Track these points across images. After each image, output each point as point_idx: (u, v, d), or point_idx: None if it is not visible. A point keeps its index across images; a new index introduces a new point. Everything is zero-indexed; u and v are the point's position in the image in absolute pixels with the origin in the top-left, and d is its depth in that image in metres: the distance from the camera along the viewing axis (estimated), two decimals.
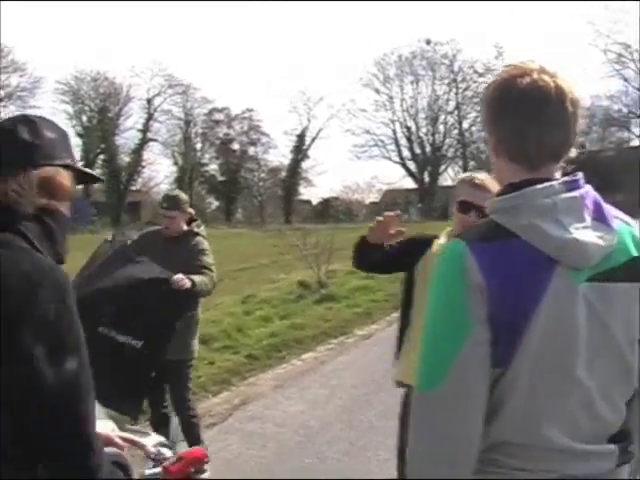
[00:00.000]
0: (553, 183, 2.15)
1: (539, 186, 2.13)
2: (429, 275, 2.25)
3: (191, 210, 6.71)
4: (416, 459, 2.16)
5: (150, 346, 5.96)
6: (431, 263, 2.37)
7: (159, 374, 6.43)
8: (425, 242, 4.39)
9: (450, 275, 2.12)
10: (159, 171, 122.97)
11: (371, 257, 4.30)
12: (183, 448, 6.70)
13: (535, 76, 2.17)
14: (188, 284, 5.99)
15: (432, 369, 2.11)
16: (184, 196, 6.77)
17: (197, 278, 6.19)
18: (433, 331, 2.14)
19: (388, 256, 4.33)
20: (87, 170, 2.73)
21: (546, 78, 2.16)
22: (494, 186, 4.16)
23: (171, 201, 6.57)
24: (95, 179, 2.91)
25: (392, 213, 4.15)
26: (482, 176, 4.27)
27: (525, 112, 2.16)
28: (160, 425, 6.57)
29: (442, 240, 4.32)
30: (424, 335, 2.15)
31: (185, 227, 6.60)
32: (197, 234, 6.63)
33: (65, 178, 2.52)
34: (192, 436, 6.56)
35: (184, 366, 6.58)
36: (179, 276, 5.99)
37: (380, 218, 4.15)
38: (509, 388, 2.11)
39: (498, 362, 2.08)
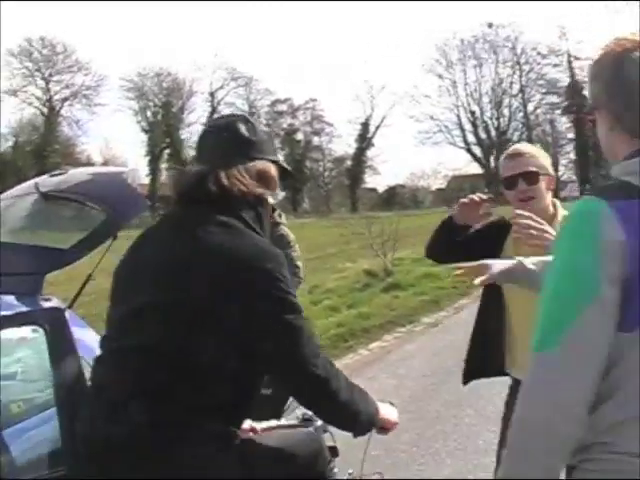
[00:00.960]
0: None
1: None
2: (559, 232, 2.15)
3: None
4: (523, 424, 2.03)
5: None
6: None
7: None
8: (504, 226, 4.20)
9: (585, 231, 2.02)
10: None
11: (453, 238, 4.03)
12: None
13: None
14: None
15: (550, 329, 2.01)
16: None
17: None
18: (557, 289, 2.04)
19: (469, 240, 4.07)
20: (287, 167, 3.07)
21: None
22: (533, 150, 4.07)
23: None
24: (292, 175, 3.25)
25: (483, 195, 3.99)
26: (516, 145, 4.14)
27: None
28: None
29: None
30: (546, 293, 2.05)
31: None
32: (279, 224, 6.59)
33: (275, 171, 2.95)
34: None
35: None
36: None
37: (472, 197, 3.96)
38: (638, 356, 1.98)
39: (627, 326, 1.97)
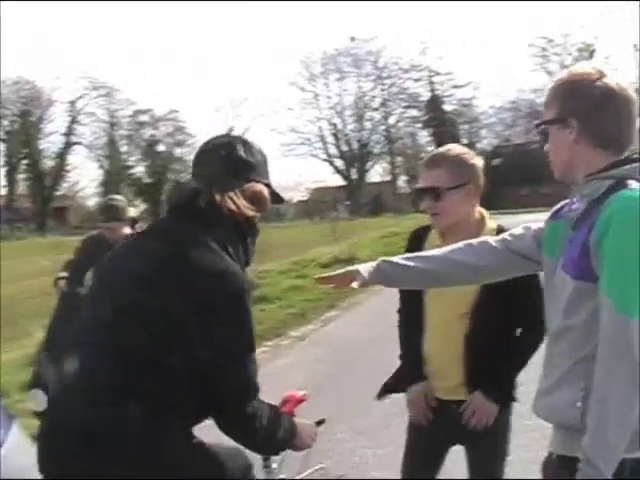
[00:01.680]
0: None
1: None
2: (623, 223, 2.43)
3: (132, 212, 6.30)
4: (611, 380, 2.37)
5: None
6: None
7: None
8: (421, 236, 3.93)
9: None
10: (84, 175, 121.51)
11: None
12: None
13: (610, 80, 2.67)
14: None
15: (636, 298, 2.35)
16: (121, 202, 6.29)
17: None
18: (638, 264, 2.36)
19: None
20: (277, 192, 3.20)
21: (617, 82, 2.68)
22: (455, 158, 3.74)
23: (108, 212, 6.12)
24: (281, 200, 3.35)
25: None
26: (439, 151, 3.86)
27: (624, 109, 2.66)
28: None
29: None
30: (626, 267, 2.39)
31: (128, 231, 6.21)
32: None
33: (267, 194, 3.09)
34: None
35: None
36: None
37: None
38: None
39: None
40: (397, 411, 3.96)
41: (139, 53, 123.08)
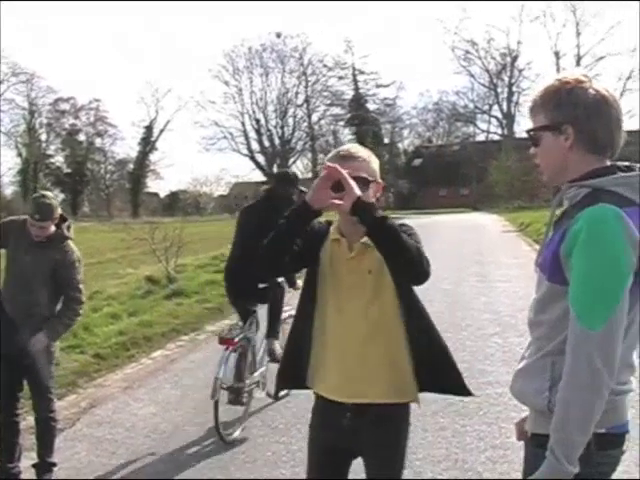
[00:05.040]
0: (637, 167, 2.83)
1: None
2: (580, 235, 2.63)
3: (60, 211, 6.13)
4: (573, 386, 2.61)
5: None
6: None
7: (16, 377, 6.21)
8: (323, 230, 3.80)
9: (615, 233, 2.58)
10: (2, 163, 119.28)
11: (296, 233, 3.55)
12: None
13: (599, 86, 2.78)
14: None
15: (596, 312, 2.60)
16: (55, 202, 6.08)
17: (59, 329, 6.17)
18: (600, 281, 2.60)
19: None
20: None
21: (605, 87, 2.79)
22: (366, 154, 3.70)
23: (45, 212, 5.92)
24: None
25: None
26: (348, 146, 3.80)
27: (614, 114, 2.77)
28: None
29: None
30: (589, 283, 2.62)
31: (53, 229, 6.08)
32: (67, 238, 6.12)
33: None
34: (47, 441, 6.31)
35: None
36: (38, 343, 5.98)
37: (331, 165, 3.43)
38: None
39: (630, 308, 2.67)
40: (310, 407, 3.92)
41: (61, 38, 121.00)
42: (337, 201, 3.33)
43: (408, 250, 3.33)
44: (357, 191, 3.30)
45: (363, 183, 3.55)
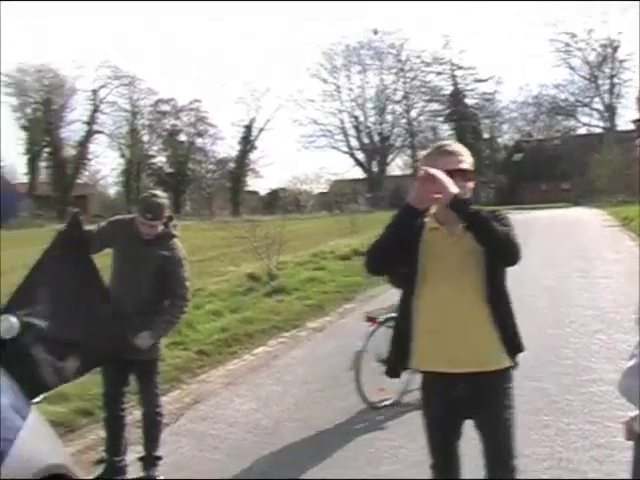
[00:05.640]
0: None
1: None
2: None
3: (168, 211, 6.25)
4: None
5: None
6: None
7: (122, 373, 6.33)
8: (418, 223, 4.09)
9: None
10: (105, 164, 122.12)
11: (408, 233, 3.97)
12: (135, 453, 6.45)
13: None
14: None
15: None
16: (166, 201, 6.23)
17: (165, 326, 6.27)
18: None
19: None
20: None
21: None
22: (464, 150, 4.09)
23: (156, 211, 6.05)
24: None
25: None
26: (446, 142, 4.19)
27: None
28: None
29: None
30: None
31: (161, 228, 6.21)
32: (174, 236, 6.25)
33: None
34: (153, 435, 6.45)
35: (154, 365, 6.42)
36: (145, 340, 6.04)
37: (427, 170, 3.79)
38: None
39: None
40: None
41: (163, 43, 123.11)
42: (437, 195, 3.71)
43: (499, 236, 3.77)
44: (454, 189, 3.70)
45: (464, 175, 3.96)
